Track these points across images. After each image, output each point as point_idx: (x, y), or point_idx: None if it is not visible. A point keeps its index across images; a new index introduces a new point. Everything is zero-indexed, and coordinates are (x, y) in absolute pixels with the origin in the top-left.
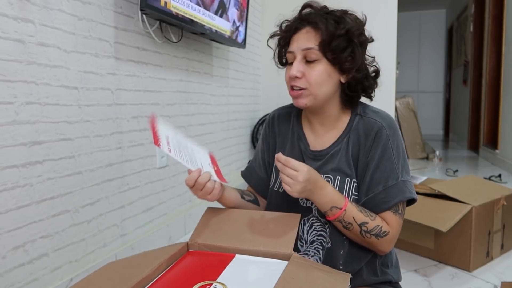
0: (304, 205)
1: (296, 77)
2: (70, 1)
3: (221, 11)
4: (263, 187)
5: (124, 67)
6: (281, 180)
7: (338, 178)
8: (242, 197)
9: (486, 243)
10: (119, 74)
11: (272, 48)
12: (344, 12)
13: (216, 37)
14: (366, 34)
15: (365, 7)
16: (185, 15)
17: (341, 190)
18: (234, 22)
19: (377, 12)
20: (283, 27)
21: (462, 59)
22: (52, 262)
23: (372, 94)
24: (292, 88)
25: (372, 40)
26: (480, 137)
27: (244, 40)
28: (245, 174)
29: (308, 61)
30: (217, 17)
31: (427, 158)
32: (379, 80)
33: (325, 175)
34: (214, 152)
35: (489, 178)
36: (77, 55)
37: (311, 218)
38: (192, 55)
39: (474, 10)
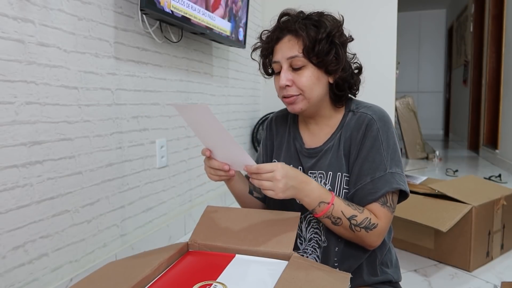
0: (300, 202)
1: (287, 85)
2: (70, 1)
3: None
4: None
5: (124, 67)
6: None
7: (330, 174)
8: (251, 192)
9: (486, 243)
10: (119, 74)
11: (256, 61)
12: (321, 15)
13: (216, 37)
14: (345, 33)
15: (365, 7)
16: (185, 15)
17: (333, 185)
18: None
19: (377, 12)
20: (263, 38)
21: (462, 59)
22: (52, 262)
23: (357, 92)
24: (284, 96)
25: (352, 39)
26: (480, 137)
27: (244, 40)
28: (247, 177)
29: (295, 69)
30: (217, 17)
31: (427, 158)
32: (378, 80)
33: (319, 172)
34: None
35: (489, 178)
36: (77, 55)
37: (308, 216)
38: (192, 55)
39: (474, 10)
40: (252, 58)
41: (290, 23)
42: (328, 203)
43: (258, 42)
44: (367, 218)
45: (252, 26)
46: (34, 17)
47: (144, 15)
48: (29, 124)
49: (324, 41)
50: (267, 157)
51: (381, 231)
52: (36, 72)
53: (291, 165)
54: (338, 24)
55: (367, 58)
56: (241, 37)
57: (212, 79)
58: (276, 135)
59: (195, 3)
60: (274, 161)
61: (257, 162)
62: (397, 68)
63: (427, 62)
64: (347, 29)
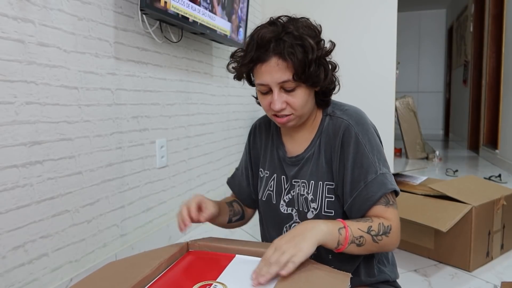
0: (285, 211)
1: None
2: (70, 1)
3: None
4: (245, 196)
5: (124, 67)
6: (266, 189)
7: (312, 183)
8: (230, 221)
9: (486, 243)
10: (119, 74)
11: (231, 71)
12: (297, 27)
13: (216, 37)
14: (324, 41)
15: (365, 7)
16: (185, 15)
17: (315, 194)
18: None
19: (377, 12)
20: (240, 57)
21: (462, 59)
22: (52, 262)
23: (337, 89)
24: (275, 115)
25: (334, 45)
26: (480, 137)
27: (244, 40)
28: (230, 182)
29: (286, 90)
30: (217, 17)
31: (427, 158)
32: (378, 81)
33: (301, 181)
34: (214, 152)
35: (489, 178)
36: (77, 55)
37: (293, 225)
38: (192, 55)
39: (474, 10)
40: (230, 68)
41: (275, 45)
42: (344, 227)
43: (236, 59)
44: (380, 223)
45: (252, 26)
46: (34, 17)
47: (144, 15)
48: (29, 124)
49: (313, 63)
50: (252, 167)
51: (397, 229)
52: (36, 72)
53: (275, 175)
54: (318, 36)
55: (367, 58)
56: (241, 37)
57: (212, 79)
58: (260, 143)
59: (195, 3)
60: (261, 170)
61: (240, 168)
62: (397, 68)
63: (427, 62)
64: (325, 33)
